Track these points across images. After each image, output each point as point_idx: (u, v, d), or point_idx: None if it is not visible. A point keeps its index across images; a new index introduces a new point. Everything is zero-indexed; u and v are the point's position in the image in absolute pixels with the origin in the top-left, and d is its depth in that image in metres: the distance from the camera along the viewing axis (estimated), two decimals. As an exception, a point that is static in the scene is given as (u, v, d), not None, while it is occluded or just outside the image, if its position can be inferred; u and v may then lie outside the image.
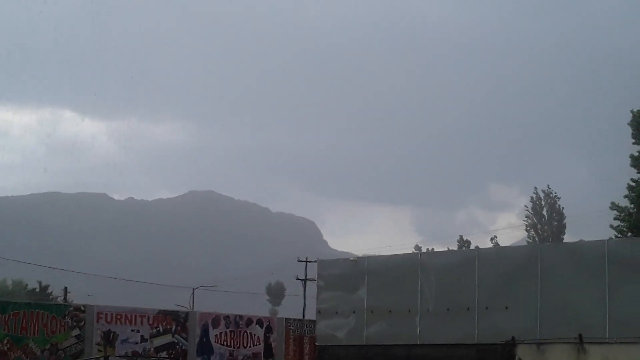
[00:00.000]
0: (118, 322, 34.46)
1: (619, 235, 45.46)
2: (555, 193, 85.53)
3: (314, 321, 26.00)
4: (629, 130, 46.77)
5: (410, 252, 53.69)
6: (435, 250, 40.68)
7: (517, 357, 20.42)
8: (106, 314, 34.53)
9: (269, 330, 40.25)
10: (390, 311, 22.60)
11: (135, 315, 35.10)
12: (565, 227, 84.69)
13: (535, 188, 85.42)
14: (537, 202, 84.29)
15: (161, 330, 35.60)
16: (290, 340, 41.24)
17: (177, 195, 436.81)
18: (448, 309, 21.78)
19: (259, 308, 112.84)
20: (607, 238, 26.50)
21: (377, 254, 30.23)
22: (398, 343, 22.44)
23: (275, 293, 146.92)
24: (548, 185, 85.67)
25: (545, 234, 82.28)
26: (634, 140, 47.15)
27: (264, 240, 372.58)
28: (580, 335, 19.83)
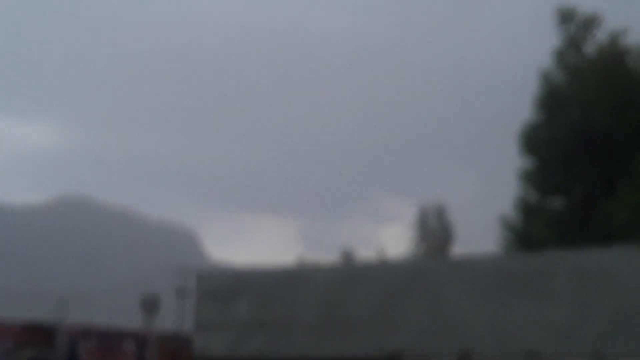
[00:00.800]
0: (-17, 333, 32.74)
1: (507, 249, 45.73)
2: (444, 206, 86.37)
3: (191, 335, 25.03)
4: (515, 142, 47.28)
5: (295, 264, 53.01)
6: (321, 262, 40.19)
7: (400, 374, 19.98)
8: (-30, 325, 32.81)
9: (142, 344, 39.01)
10: (271, 325, 21.84)
11: (1, 328, 33.39)
12: (453, 241, 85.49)
13: (424, 201, 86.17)
14: (426, 215, 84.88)
15: (27, 343, 33.90)
16: (165, 355, 40.07)
17: (47, 200, 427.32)
18: (332, 323, 21.16)
19: (133, 320, 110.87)
20: (495, 252, 26.24)
21: (260, 265, 29.23)
22: (279, 357, 21.71)
23: (151, 305, 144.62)
24: (437, 198, 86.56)
25: (433, 247, 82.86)
26: (521, 154, 47.63)
27: (140, 249, 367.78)
28: (465, 351, 19.44)
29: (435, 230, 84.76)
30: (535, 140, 47.37)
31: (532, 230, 46.63)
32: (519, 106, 47.88)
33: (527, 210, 47.28)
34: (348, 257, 78.45)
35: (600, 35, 48.29)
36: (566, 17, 49.03)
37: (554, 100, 47.97)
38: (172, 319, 69.10)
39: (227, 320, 22.40)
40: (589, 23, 48.60)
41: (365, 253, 78.99)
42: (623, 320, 18.32)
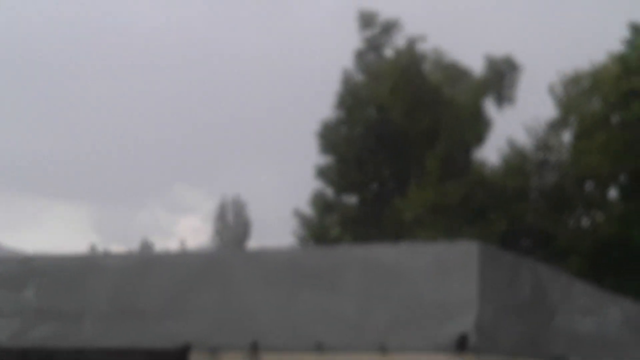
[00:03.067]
0: None
1: (302, 243, 46.58)
2: (242, 199, 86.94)
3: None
4: (314, 140, 48.25)
5: (86, 251, 51.94)
6: (114, 251, 39.58)
7: (189, 364, 19.91)
8: None
9: None
10: (60, 313, 21.30)
11: None
12: (250, 233, 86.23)
13: (223, 193, 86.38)
14: (223, 207, 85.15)
15: None
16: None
17: None
18: (122, 313, 20.86)
19: None
20: (290, 246, 26.66)
21: (49, 252, 28.57)
22: (67, 347, 21.18)
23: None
24: (236, 192, 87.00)
25: (230, 239, 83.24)
26: (320, 150, 48.70)
27: None
28: (254, 343, 19.62)
29: (233, 224, 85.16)
30: (333, 139, 48.52)
31: (327, 226, 47.72)
32: (321, 105, 48.86)
33: (323, 206, 48.35)
34: (147, 248, 77.49)
35: (399, 40, 49.98)
36: (367, 20, 50.52)
37: (353, 100, 49.25)
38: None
39: (12, 307, 21.70)
40: (389, 27, 50.23)
41: (164, 244, 78.21)
42: (407, 314, 18.98)
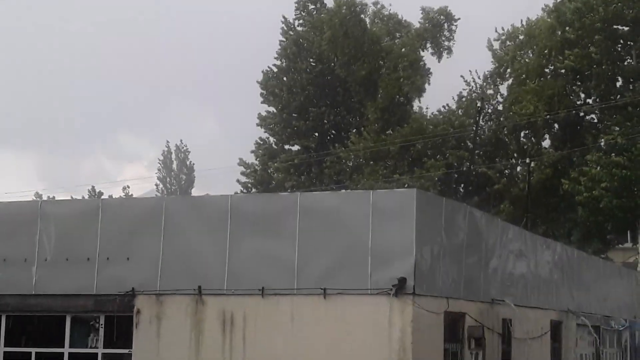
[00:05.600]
0: None
1: (245, 191, 46.99)
2: (186, 147, 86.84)
3: None
4: (258, 89, 48.50)
5: (31, 199, 51.80)
6: (59, 199, 39.56)
7: (135, 308, 20.33)
8: None
9: None
10: (4, 260, 21.56)
11: None
12: (194, 182, 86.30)
13: (167, 142, 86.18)
14: (168, 156, 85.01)
15: None
16: None
17: None
18: (67, 259, 21.16)
19: None
20: (233, 193, 27.09)
21: (-4, 200, 28.51)
22: (11, 292, 21.50)
23: None
24: (180, 140, 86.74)
25: (175, 187, 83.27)
26: (262, 100, 48.97)
27: None
28: (199, 287, 20.12)
29: (177, 171, 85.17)
30: (275, 88, 48.75)
31: (270, 174, 48.15)
32: (263, 55, 49.00)
33: (266, 154, 48.72)
34: (94, 195, 77.03)
35: (339, -9, 50.14)
36: (308, -31, 50.52)
37: (294, 50, 49.43)
38: None
39: (-41, 254, 21.87)
40: (330, -23, 50.34)
41: (109, 192, 77.53)
42: (347, 258, 19.61)
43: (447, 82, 57.42)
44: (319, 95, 48.45)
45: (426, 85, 50.57)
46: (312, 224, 20.00)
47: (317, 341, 19.29)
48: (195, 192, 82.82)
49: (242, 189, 47.37)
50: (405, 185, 40.66)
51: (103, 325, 20.90)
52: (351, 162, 45.84)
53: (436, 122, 49.02)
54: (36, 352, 21.16)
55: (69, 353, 20.95)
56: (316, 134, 48.74)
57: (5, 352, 21.33)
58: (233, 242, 20.30)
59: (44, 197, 64.37)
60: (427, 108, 51.17)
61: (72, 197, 55.52)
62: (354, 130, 47.99)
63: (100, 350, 20.79)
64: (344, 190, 27.48)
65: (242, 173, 47.80)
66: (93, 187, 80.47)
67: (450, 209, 21.53)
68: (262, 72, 48.31)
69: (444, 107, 51.48)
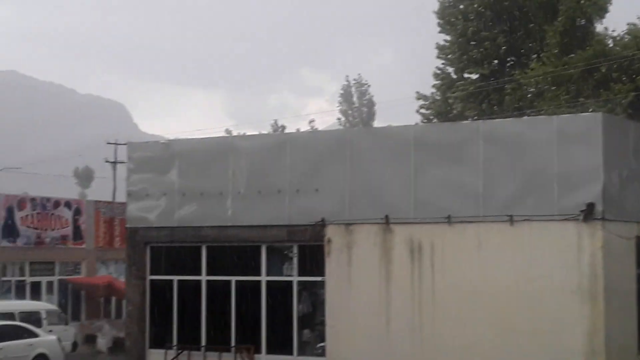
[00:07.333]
0: None
1: (425, 121, 47.00)
2: (366, 80, 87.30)
3: (125, 204, 25.71)
4: (435, 19, 48.09)
5: (222, 135, 53.60)
6: (248, 134, 40.81)
7: (326, 237, 20.98)
8: None
9: (77, 212, 39.66)
10: (202, 193, 22.62)
11: None
12: (375, 114, 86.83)
13: (347, 76, 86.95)
14: (348, 89, 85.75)
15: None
16: (100, 223, 40.85)
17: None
18: (259, 192, 21.99)
19: (67, 191, 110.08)
20: (414, 124, 27.29)
21: (188, 137, 29.87)
22: (209, 224, 22.58)
23: (84, 176, 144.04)
24: (359, 73, 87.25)
25: (356, 120, 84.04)
26: (440, 29, 48.58)
27: (71, 123, 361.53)
28: (386, 216, 20.55)
29: (357, 104, 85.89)
30: (452, 17, 48.27)
31: (449, 103, 47.94)
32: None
33: (444, 84, 48.48)
34: (277, 129, 78.74)
35: None
36: None
37: (471, -24, 48.65)
38: (106, 189, 69.24)
39: (158, 189, 23.11)
40: None
41: (293, 126, 79.23)
42: (532, 184, 19.58)
43: (631, 1, 55.07)
44: (497, 22, 47.63)
45: (609, 5, 48.75)
46: (496, 151, 20.04)
47: (504, 268, 19.45)
48: (376, 124, 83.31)
49: (422, 119, 47.35)
50: (590, 110, 39.69)
51: (297, 254, 21.75)
52: (532, 88, 44.96)
53: (622, 44, 47.27)
54: (235, 281, 22.31)
55: (266, 281, 21.99)
56: (495, 61, 47.99)
57: (207, 281, 22.56)
58: (418, 171, 20.59)
59: (234, 133, 66.45)
60: (613, 30, 49.40)
61: (259, 133, 57.21)
62: (533, 56, 46.98)
63: (295, 278, 21.70)
64: (526, 117, 26.94)
65: (422, 106, 47.79)
66: (276, 121, 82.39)
67: (639, 132, 21.06)
68: (439, 0, 47.93)
69: (630, 25, 49.50)
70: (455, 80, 48.42)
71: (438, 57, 48.87)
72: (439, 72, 48.69)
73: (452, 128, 22.12)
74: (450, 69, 48.93)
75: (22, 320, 31.58)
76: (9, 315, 32.00)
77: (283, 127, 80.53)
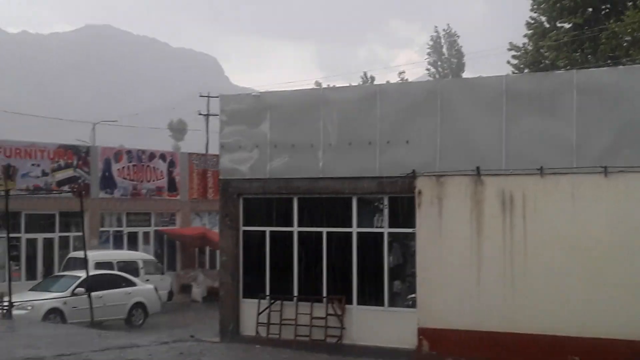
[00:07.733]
0: (17, 156, 34.11)
1: (517, 72, 46.34)
2: (455, 31, 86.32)
3: (217, 156, 26.11)
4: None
5: (312, 87, 53.77)
6: (339, 86, 40.83)
7: (417, 189, 21.00)
8: (4, 148, 34.11)
9: (172, 164, 40.46)
10: (293, 145, 22.81)
11: (35, 150, 34.84)
12: (464, 65, 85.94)
13: (436, 27, 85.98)
14: (437, 40, 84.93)
15: (62, 164, 35.44)
16: (194, 174, 41.61)
17: (73, 29, 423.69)
18: (350, 143, 22.08)
19: (161, 144, 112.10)
20: (505, 74, 26.94)
21: (279, 89, 29.98)
22: (301, 176, 22.80)
23: (178, 129, 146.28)
24: (448, 24, 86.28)
25: (446, 71, 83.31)
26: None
27: (164, 77, 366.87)
28: (477, 168, 20.46)
29: (447, 56, 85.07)
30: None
31: (541, 53, 47.14)
32: None
33: (537, 34, 47.64)
34: (366, 81, 78.59)
35: None
36: None
37: None
38: (199, 141, 70.36)
39: (250, 141, 23.40)
40: None
41: (381, 77, 79.20)
42: (628, 135, 19.22)
43: None
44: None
45: None
46: (590, 101, 19.72)
47: (597, 220, 19.20)
48: (465, 75, 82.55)
49: (513, 70, 46.67)
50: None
51: (387, 206, 21.85)
52: (628, 36, 43.87)
53: None
54: (327, 232, 22.54)
55: (357, 232, 22.17)
56: (589, 9, 46.94)
57: (298, 232, 22.85)
58: (509, 122, 20.39)
59: (324, 85, 66.68)
60: None
61: (350, 84, 57.29)
62: (629, 3, 45.79)
63: (385, 230, 21.81)
64: (621, 66, 26.42)
65: (514, 56, 47.10)
66: (365, 73, 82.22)
67: None
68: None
69: None
70: (549, 30, 47.53)
71: (531, 8, 47.96)
72: (531, 21, 47.83)
73: (545, 78, 21.74)
74: (543, 18, 48.01)
75: (120, 270, 32.57)
76: (108, 265, 33.01)
77: (372, 79, 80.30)
